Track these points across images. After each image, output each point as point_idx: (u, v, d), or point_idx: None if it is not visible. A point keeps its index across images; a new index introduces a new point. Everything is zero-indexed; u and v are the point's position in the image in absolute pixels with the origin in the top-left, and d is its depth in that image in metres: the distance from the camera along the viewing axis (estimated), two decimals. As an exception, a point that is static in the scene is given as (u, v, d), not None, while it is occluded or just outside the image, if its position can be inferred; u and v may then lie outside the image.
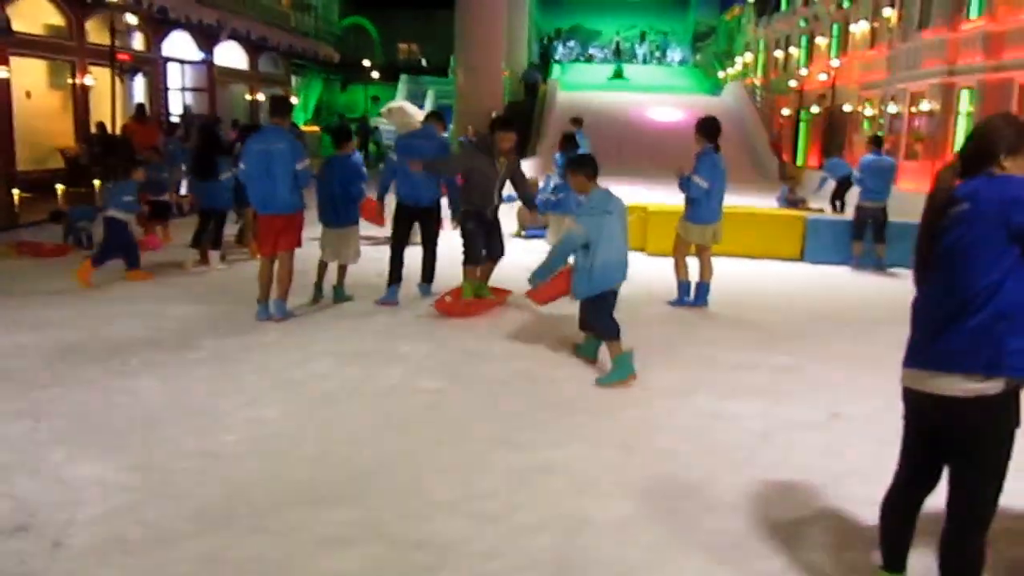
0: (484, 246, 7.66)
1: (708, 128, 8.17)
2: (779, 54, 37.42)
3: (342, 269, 8.18)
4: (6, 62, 14.98)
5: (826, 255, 11.57)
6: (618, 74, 41.71)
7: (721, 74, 47.01)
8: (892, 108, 22.82)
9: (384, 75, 50.15)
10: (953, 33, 20.14)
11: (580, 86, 37.27)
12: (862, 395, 5.66)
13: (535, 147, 26.84)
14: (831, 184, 16.07)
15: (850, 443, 4.81)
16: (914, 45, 21.65)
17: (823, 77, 29.67)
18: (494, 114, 20.46)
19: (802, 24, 33.42)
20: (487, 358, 6.28)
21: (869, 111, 25.67)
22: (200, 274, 9.57)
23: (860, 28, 26.39)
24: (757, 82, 38.73)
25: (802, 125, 33.92)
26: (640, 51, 56.71)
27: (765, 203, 16.04)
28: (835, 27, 29.49)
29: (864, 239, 11.15)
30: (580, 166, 6.07)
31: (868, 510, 3.54)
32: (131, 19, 17.97)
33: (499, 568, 3.40)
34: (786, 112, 34.04)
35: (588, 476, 4.31)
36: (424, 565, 3.41)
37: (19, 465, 4.26)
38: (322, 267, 8.16)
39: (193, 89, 23.73)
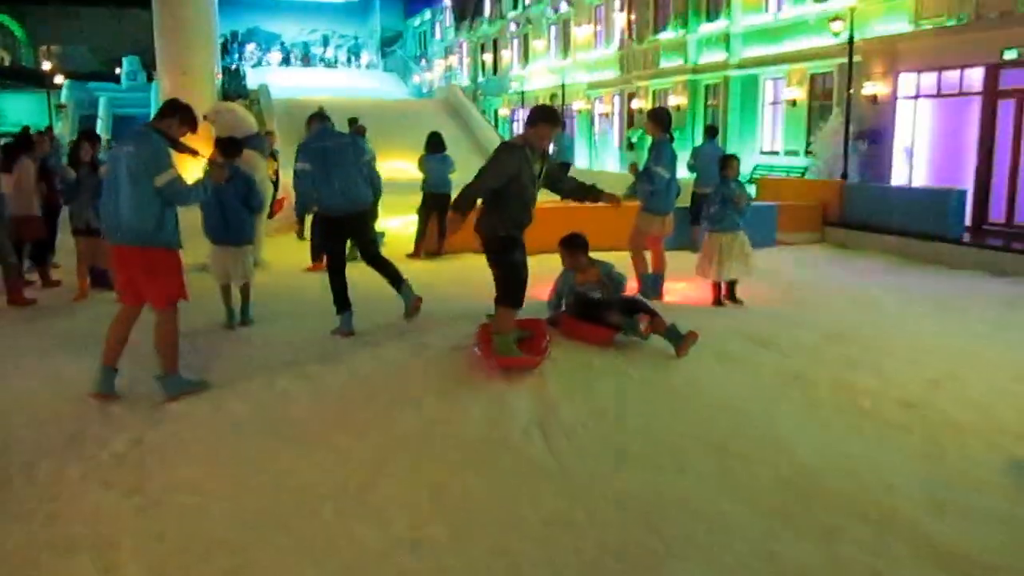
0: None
1: (662, 118, 8.21)
2: (488, 57, 38.24)
3: (244, 290, 7.05)
4: None
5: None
6: None
7: (416, 78, 47.12)
8: (636, 104, 24.16)
9: (30, 81, 43.17)
10: (693, 35, 21.76)
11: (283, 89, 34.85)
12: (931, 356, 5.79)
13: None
14: None
15: None
16: (652, 47, 23.08)
17: (548, 78, 30.78)
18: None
19: (514, 28, 34.44)
20: (604, 372, 5.14)
21: (602, 108, 27.04)
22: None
23: (584, 32, 27.71)
24: (463, 84, 39.23)
25: (516, 124, 34.95)
26: (328, 55, 55.42)
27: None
28: (554, 29, 30.73)
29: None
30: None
31: None
32: None
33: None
34: (504, 112, 34.89)
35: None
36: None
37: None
38: (225, 290, 7.01)
39: None
